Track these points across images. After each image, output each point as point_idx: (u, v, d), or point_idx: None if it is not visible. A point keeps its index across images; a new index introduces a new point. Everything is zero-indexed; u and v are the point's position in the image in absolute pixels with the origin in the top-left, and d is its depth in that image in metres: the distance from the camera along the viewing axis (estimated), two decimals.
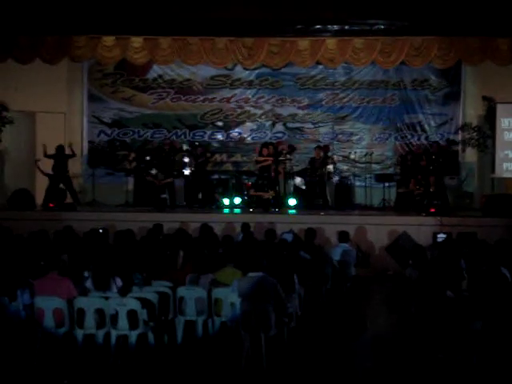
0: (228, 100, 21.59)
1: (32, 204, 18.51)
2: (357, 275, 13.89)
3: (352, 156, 21.04)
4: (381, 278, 15.68)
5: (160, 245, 12.45)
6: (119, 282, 10.03)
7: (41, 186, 19.58)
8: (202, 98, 21.61)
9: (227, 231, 15.97)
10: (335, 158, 20.51)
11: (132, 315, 9.44)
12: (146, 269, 10.81)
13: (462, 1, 17.40)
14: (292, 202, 19.19)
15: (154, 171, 19.31)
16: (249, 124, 21.60)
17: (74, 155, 19.76)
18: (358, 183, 20.68)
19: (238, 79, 21.51)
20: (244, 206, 19.26)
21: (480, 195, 20.00)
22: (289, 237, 13.73)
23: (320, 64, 20.17)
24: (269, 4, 17.78)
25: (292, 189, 20.25)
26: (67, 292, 9.63)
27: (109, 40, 18.90)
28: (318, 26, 18.63)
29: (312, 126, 21.41)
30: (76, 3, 17.83)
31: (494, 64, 18.54)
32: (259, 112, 21.54)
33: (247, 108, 21.58)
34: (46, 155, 19.17)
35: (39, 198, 19.11)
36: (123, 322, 9.47)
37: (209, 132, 21.55)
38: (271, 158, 19.44)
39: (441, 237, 15.35)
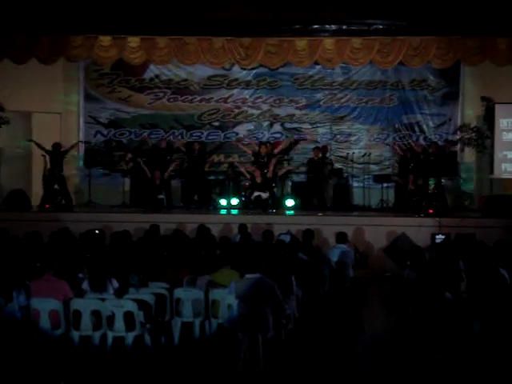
0: (225, 100, 21.52)
1: (28, 205, 18.45)
2: (355, 276, 13.85)
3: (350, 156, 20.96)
4: (379, 279, 15.68)
5: (157, 246, 12.39)
6: (116, 283, 10.00)
7: (37, 186, 19.53)
8: (199, 98, 21.54)
9: (224, 232, 15.95)
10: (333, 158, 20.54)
11: (128, 317, 9.40)
12: (142, 270, 10.77)
13: (461, 1, 17.37)
14: (289, 202, 19.14)
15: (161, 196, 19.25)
16: (246, 124, 21.50)
17: (71, 147, 19.74)
18: (355, 184, 20.65)
19: (236, 79, 21.45)
20: (241, 207, 19.22)
21: (478, 196, 19.98)
22: (286, 238, 13.68)
23: (318, 64, 20.15)
24: (266, 4, 17.77)
25: (289, 189, 20.24)
26: (63, 293, 9.58)
27: (105, 40, 18.85)
28: (316, 26, 18.61)
29: (310, 127, 21.36)
30: (72, 3, 17.79)
31: (493, 64, 18.54)
32: (257, 112, 21.48)
33: (245, 108, 21.51)
34: (43, 148, 19.03)
35: (35, 198, 19.03)
36: (120, 324, 9.42)
37: (206, 132, 21.46)
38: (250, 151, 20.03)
39: (439, 238, 15.33)
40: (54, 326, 9.47)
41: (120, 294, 9.81)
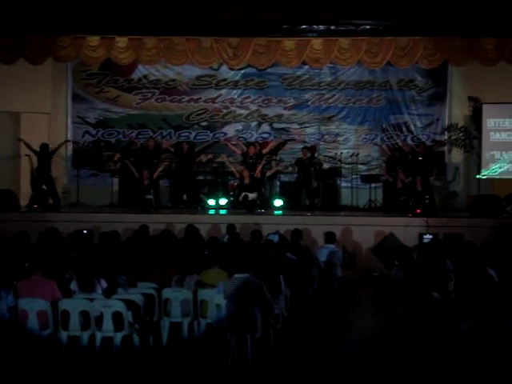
0: (213, 100, 21.50)
1: (16, 205, 18.40)
2: (343, 276, 13.87)
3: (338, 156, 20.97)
4: (367, 279, 15.70)
5: (145, 246, 12.39)
6: (104, 283, 9.99)
7: (25, 187, 19.49)
8: (187, 99, 21.52)
9: (213, 232, 15.94)
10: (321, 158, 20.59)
11: (117, 317, 9.38)
12: (131, 270, 10.76)
13: (448, 1, 17.42)
14: (278, 202, 19.15)
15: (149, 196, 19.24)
16: (235, 124, 21.50)
17: (58, 147, 19.74)
18: (343, 184, 20.67)
19: (224, 79, 21.43)
20: (229, 207, 19.24)
21: (466, 196, 20.03)
22: (275, 238, 13.71)
23: (306, 64, 20.16)
24: (254, 4, 17.76)
25: (278, 189, 20.27)
26: (51, 294, 9.55)
27: (93, 40, 18.83)
28: (304, 26, 18.64)
29: (298, 127, 21.36)
30: (60, 3, 17.75)
31: (480, 64, 18.60)
32: (245, 112, 21.47)
33: (233, 108, 21.50)
34: (31, 148, 19.02)
35: (23, 199, 18.99)
36: (108, 324, 9.40)
37: (194, 132, 21.44)
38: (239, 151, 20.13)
39: (427, 238, 15.34)
40: (42, 327, 9.44)
41: (108, 294, 9.80)
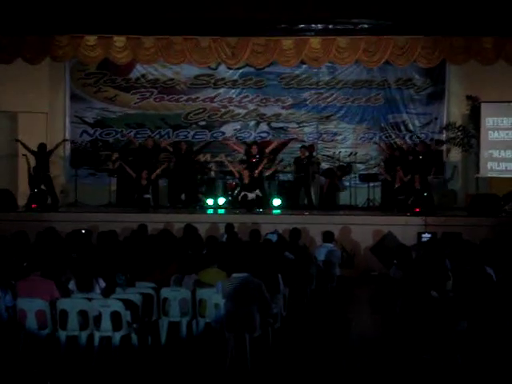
0: (212, 100, 21.50)
1: (14, 205, 18.39)
2: (341, 275, 13.87)
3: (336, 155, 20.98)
4: (365, 278, 15.70)
5: (144, 245, 12.38)
6: (102, 283, 9.99)
7: (23, 186, 19.47)
8: (185, 98, 21.52)
9: (211, 232, 15.93)
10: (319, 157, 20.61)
11: (115, 316, 9.38)
12: (129, 270, 10.75)
13: (446, 0, 17.42)
14: (276, 202, 19.15)
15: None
16: (233, 124, 21.49)
17: (56, 146, 19.77)
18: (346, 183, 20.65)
19: (222, 79, 21.43)
20: (228, 207, 19.24)
21: (465, 195, 20.03)
22: (273, 237, 13.70)
23: (304, 63, 20.20)
24: (252, 3, 17.76)
25: (276, 188, 20.25)
26: (50, 293, 9.55)
27: (91, 39, 18.86)
28: (302, 25, 18.66)
29: (296, 126, 21.37)
30: (58, 3, 17.73)
31: (478, 63, 18.61)
32: (243, 112, 21.47)
33: (231, 108, 21.49)
34: (28, 149, 19.02)
35: (21, 198, 18.97)
36: (106, 324, 9.40)
37: (192, 132, 21.44)
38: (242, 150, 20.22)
39: (425, 237, 15.35)
40: (40, 326, 9.44)
41: (107, 293, 9.80)
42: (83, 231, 14.55)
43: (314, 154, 20.44)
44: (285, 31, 18.73)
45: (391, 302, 10.62)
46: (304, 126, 21.35)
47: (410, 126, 20.98)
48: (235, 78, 21.37)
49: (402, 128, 21.00)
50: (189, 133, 21.44)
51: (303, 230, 15.08)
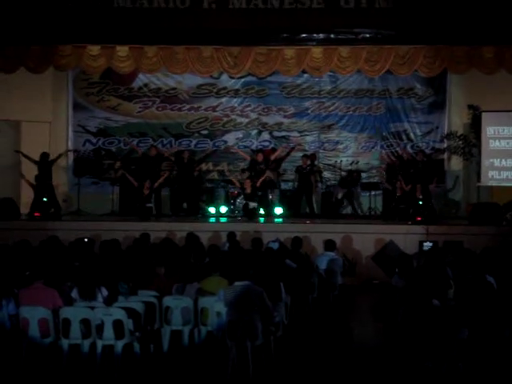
0: (214, 109, 21.55)
1: (17, 213, 18.43)
2: (343, 284, 13.88)
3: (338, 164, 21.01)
4: (367, 286, 15.71)
5: (146, 254, 12.41)
6: (105, 291, 10.01)
7: (26, 195, 19.53)
8: (187, 107, 21.56)
9: (213, 240, 15.94)
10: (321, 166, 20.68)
11: (118, 325, 9.40)
12: (131, 278, 10.78)
13: (448, 10, 17.47)
14: (278, 210, 19.18)
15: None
16: (235, 133, 21.54)
17: (59, 156, 19.85)
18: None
19: (224, 88, 21.49)
20: (230, 215, 19.26)
21: (466, 204, 20.06)
22: (275, 245, 13.73)
23: (306, 73, 20.24)
24: (254, 13, 17.84)
25: (278, 197, 20.27)
26: (52, 302, 9.58)
27: (94, 49, 18.89)
28: (304, 35, 18.67)
29: (298, 135, 21.41)
30: (61, 13, 17.80)
31: (480, 72, 18.63)
32: (245, 121, 21.53)
33: (233, 117, 21.55)
34: (30, 159, 19.10)
35: (24, 207, 19.03)
36: (109, 332, 9.42)
37: (195, 141, 21.49)
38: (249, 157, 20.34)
39: (427, 245, 15.34)
40: (43, 335, 9.47)
41: (109, 302, 9.83)
42: (86, 240, 14.53)
43: (316, 162, 20.49)
44: (287, 41, 18.74)
45: (393, 310, 10.62)
46: (306, 135, 21.40)
47: (412, 135, 21.02)
48: (237, 87, 21.44)
49: (404, 137, 21.04)
50: (191, 142, 21.49)
51: (305, 238, 15.12)
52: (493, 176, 19.23)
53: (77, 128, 21.57)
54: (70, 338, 9.48)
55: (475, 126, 19.61)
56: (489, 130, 19.25)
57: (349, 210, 20.30)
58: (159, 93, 21.53)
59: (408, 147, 20.92)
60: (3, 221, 17.57)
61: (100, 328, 9.47)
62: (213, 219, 18.93)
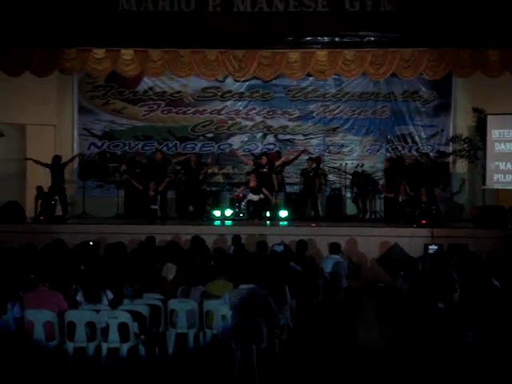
0: (219, 112, 21.58)
1: (22, 217, 18.47)
2: (348, 287, 13.87)
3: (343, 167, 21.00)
4: (372, 289, 15.70)
5: (151, 257, 12.42)
6: (110, 294, 10.02)
7: (31, 198, 19.56)
8: (192, 110, 21.60)
9: (218, 243, 15.95)
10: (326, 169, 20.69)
11: (123, 328, 9.40)
12: (136, 281, 10.78)
13: (452, 13, 17.45)
14: (283, 213, 19.18)
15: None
16: (240, 136, 21.56)
17: (71, 159, 20.03)
18: (348, 195, 20.67)
19: (229, 91, 21.51)
20: (235, 218, 19.27)
21: (471, 207, 20.03)
22: (279, 249, 13.72)
23: (311, 76, 20.26)
24: (259, 16, 17.85)
25: (283, 200, 20.29)
26: (57, 305, 9.59)
27: (99, 52, 18.89)
28: (309, 38, 18.66)
29: (303, 138, 21.43)
30: (65, 16, 17.82)
31: (485, 75, 18.61)
32: (250, 124, 21.55)
33: (238, 120, 21.58)
34: (41, 163, 19.16)
35: (29, 210, 19.06)
36: (114, 335, 9.43)
37: (200, 144, 21.50)
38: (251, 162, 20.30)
39: (432, 248, 15.34)
40: (48, 338, 9.47)
41: (114, 305, 9.84)
42: (91, 243, 14.54)
43: (321, 165, 20.49)
44: (291, 44, 18.75)
45: (398, 313, 10.62)
46: (311, 138, 21.42)
47: (417, 138, 21.03)
48: (242, 90, 21.46)
49: (409, 140, 21.05)
50: (196, 145, 21.52)
51: (310, 241, 15.09)
52: (498, 179, 19.19)
53: (82, 131, 21.62)
54: (75, 341, 9.49)
55: (480, 128, 19.57)
56: (494, 133, 19.20)
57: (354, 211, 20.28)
58: (164, 96, 21.57)
59: (413, 150, 20.92)
60: (9, 224, 17.62)
61: (105, 331, 9.48)
62: (218, 222, 18.93)
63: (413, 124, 21.06)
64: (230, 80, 21.06)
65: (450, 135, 20.67)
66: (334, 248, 13.96)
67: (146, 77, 20.89)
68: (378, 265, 16.38)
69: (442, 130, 21.00)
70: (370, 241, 16.83)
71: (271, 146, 21.40)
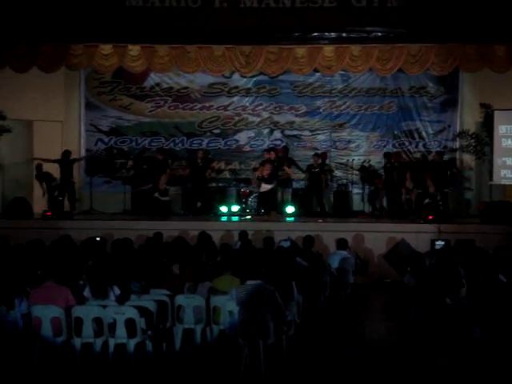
0: (225, 108, 21.58)
1: (29, 213, 18.51)
2: (355, 283, 13.87)
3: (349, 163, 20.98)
4: (379, 285, 15.70)
5: (158, 253, 12.42)
6: (117, 290, 10.03)
7: (38, 194, 19.60)
8: (199, 106, 21.60)
9: (225, 239, 15.97)
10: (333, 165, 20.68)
11: (130, 324, 9.42)
12: (143, 277, 10.80)
13: (459, 8, 17.42)
14: (290, 209, 19.18)
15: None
16: (247, 131, 21.56)
17: (80, 159, 20.14)
18: (355, 190, 20.66)
19: (236, 87, 21.51)
20: (242, 214, 19.28)
21: (478, 202, 20.01)
22: (286, 244, 13.72)
23: (317, 71, 20.23)
24: (266, 12, 17.84)
25: (290, 196, 20.28)
26: (65, 300, 9.60)
27: (106, 48, 18.92)
28: (316, 34, 18.64)
29: (310, 134, 21.42)
30: (72, 12, 17.84)
31: (491, 71, 18.57)
32: (257, 120, 21.54)
33: (245, 116, 21.57)
34: (50, 161, 19.20)
35: (36, 206, 19.10)
36: (121, 331, 9.45)
37: (206, 140, 21.51)
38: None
39: (439, 244, 15.32)
40: (55, 334, 9.49)
41: (121, 300, 9.85)
42: (98, 239, 14.57)
43: (327, 161, 20.48)
44: (298, 39, 18.73)
45: (405, 309, 10.64)
46: (317, 134, 21.41)
47: (424, 134, 21.00)
48: (249, 86, 21.45)
49: (416, 135, 21.02)
50: (203, 141, 21.52)
51: (317, 237, 15.11)
52: (505, 174, 19.13)
53: (89, 127, 21.65)
54: (83, 336, 9.51)
55: (487, 124, 19.53)
56: (501, 129, 19.15)
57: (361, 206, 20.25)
58: (171, 92, 21.57)
59: (420, 146, 20.90)
60: (16, 220, 17.66)
61: (112, 327, 9.49)
62: (225, 218, 18.94)
63: (420, 120, 21.02)
64: (236, 76, 21.05)
65: (457, 131, 20.64)
66: (341, 244, 13.97)
67: (153, 73, 20.90)
68: (384, 260, 16.35)
69: (449, 126, 20.96)
70: (377, 236, 16.82)
71: (278, 142, 21.40)
